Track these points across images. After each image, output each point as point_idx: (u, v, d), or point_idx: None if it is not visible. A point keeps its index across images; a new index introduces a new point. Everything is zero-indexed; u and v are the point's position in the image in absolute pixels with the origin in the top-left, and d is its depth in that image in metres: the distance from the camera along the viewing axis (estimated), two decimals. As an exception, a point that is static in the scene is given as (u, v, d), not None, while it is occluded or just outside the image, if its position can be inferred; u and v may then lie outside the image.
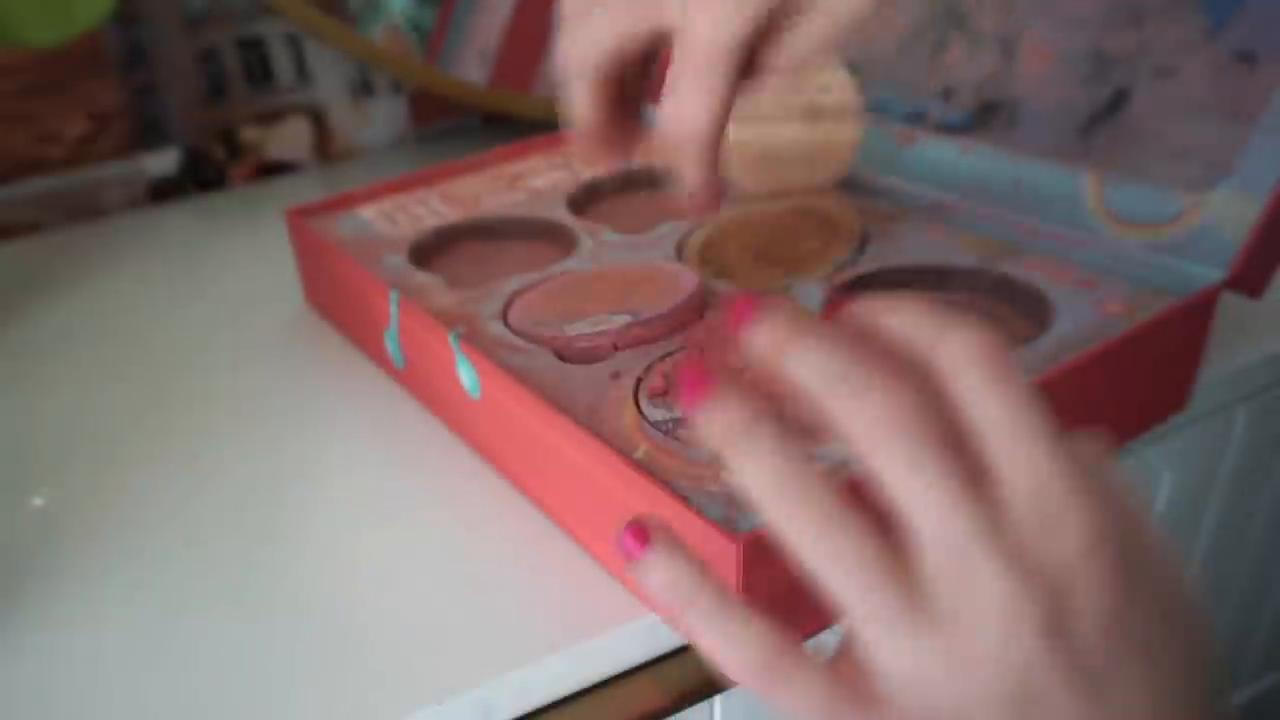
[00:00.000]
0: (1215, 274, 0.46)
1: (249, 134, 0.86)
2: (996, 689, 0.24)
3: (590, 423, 0.41)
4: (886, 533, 0.25)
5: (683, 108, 0.36)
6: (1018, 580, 0.23)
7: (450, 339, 0.46)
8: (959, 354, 0.25)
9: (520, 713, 0.38)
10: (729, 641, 0.26)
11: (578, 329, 0.47)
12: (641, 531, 0.28)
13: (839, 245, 0.52)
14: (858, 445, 0.25)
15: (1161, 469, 0.55)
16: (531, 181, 0.65)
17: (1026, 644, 0.23)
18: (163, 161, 0.83)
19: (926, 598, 0.24)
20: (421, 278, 0.54)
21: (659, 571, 0.27)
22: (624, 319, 0.47)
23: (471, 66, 0.85)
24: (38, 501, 0.48)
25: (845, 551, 0.25)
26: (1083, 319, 0.45)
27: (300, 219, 0.61)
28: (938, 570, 0.24)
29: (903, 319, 0.26)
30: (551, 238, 0.59)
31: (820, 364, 0.25)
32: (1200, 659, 0.26)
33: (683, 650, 0.39)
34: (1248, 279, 0.46)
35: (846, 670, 0.26)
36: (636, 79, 0.40)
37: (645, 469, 0.37)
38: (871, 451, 0.24)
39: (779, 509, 0.25)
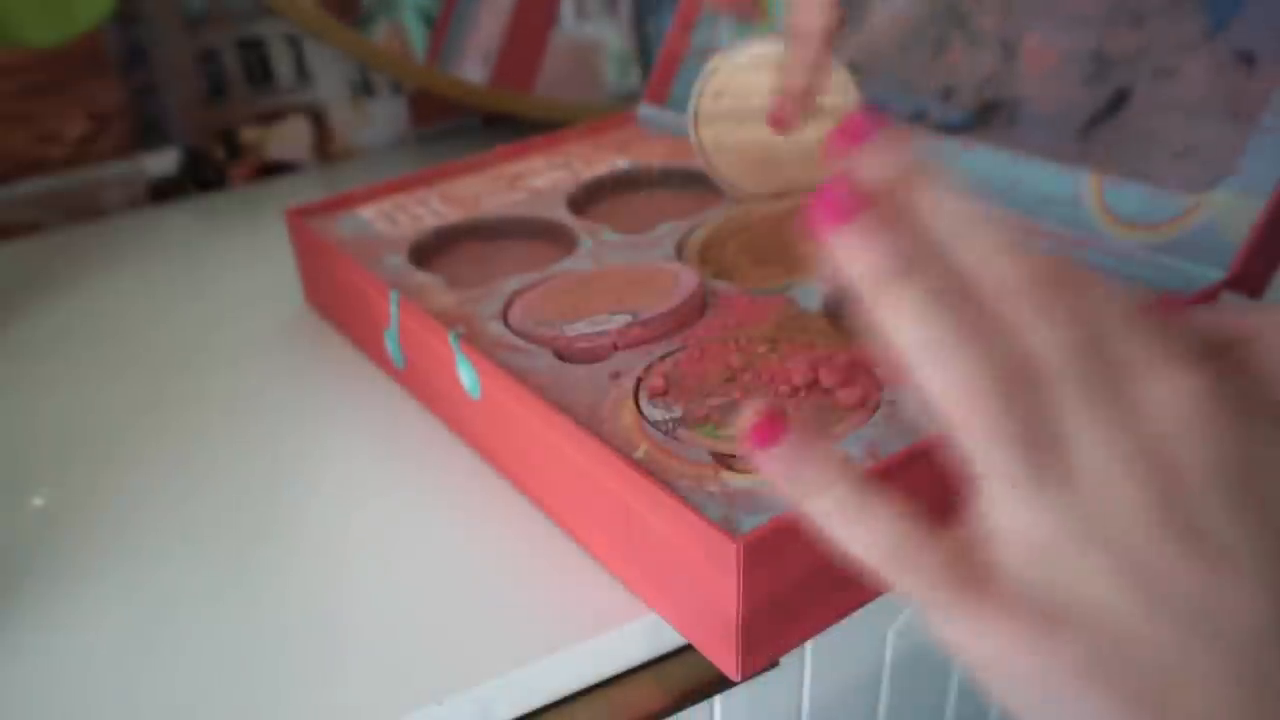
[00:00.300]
0: (1215, 274, 0.46)
1: (249, 134, 0.86)
2: (1114, 564, 0.23)
3: (590, 423, 0.41)
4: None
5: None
6: (1125, 438, 0.23)
7: (450, 339, 0.46)
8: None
9: (520, 713, 0.38)
10: (857, 530, 0.26)
11: (578, 329, 0.47)
12: (775, 423, 0.27)
13: (839, 245, 0.52)
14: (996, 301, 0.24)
15: None
16: (531, 181, 0.65)
17: (1141, 502, 0.23)
18: (163, 161, 0.83)
19: (1050, 456, 0.23)
20: (421, 278, 0.54)
21: (792, 464, 0.26)
22: (624, 319, 0.47)
23: (472, 67, 0.85)
24: (37, 501, 0.48)
25: (988, 407, 0.24)
26: (1083, 319, 0.45)
27: (300, 219, 0.61)
28: (1060, 431, 0.23)
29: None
30: (551, 238, 0.59)
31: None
32: None
33: (683, 650, 0.39)
34: (1248, 279, 0.46)
35: (967, 556, 0.25)
36: None
37: (645, 469, 0.37)
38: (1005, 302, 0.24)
39: (926, 357, 0.24)
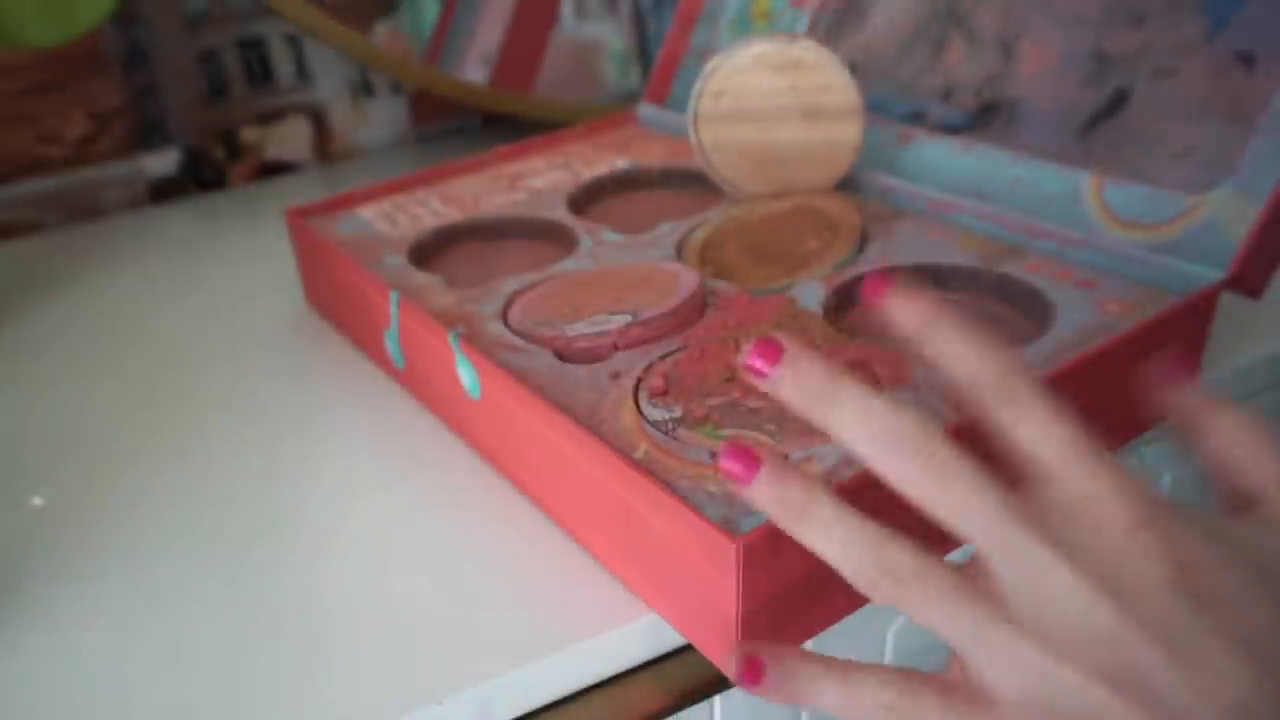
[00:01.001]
0: (1215, 274, 0.46)
1: (249, 134, 0.86)
2: (1089, 668, 0.25)
3: (590, 423, 0.41)
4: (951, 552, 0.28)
5: None
6: (1078, 566, 0.26)
7: (450, 339, 0.46)
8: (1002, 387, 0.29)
9: (520, 712, 0.38)
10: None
11: (578, 329, 0.47)
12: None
13: (839, 245, 0.52)
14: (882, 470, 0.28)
15: (1161, 469, 0.54)
16: (531, 181, 0.65)
17: (1104, 615, 0.25)
18: (163, 162, 0.83)
19: (1006, 604, 0.27)
20: (421, 278, 0.54)
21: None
22: (624, 319, 0.47)
23: (472, 67, 0.85)
24: (36, 500, 0.48)
25: (931, 590, 0.27)
26: (1083, 319, 0.45)
27: (300, 219, 0.61)
28: (1008, 578, 0.27)
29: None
30: (551, 238, 0.59)
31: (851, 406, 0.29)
32: None
33: (683, 650, 0.39)
34: (1247, 279, 0.46)
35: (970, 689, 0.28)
36: None
37: (645, 469, 0.37)
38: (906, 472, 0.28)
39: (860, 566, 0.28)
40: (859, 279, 0.49)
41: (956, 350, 0.29)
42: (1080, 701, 0.26)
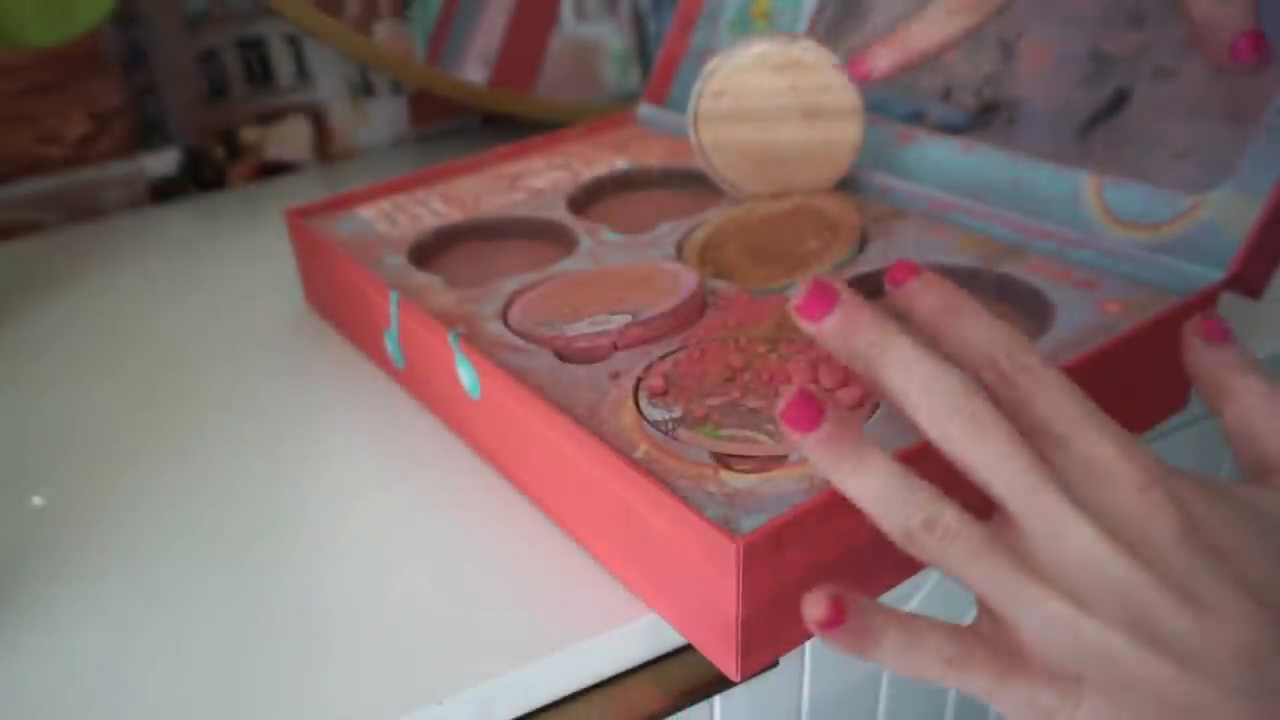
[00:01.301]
0: (1215, 274, 0.46)
1: (249, 134, 0.86)
2: (1107, 616, 0.27)
3: (590, 422, 0.41)
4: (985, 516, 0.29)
5: None
6: (1096, 521, 0.27)
7: (450, 339, 0.46)
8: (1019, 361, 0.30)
9: (520, 712, 0.38)
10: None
11: (578, 329, 0.47)
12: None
13: (839, 245, 0.52)
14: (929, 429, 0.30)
15: None
16: (531, 181, 0.65)
17: (1122, 566, 0.27)
18: (163, 161, 0.83)
19: (1031, 558, 0.28)
20: (421, 278, 0.54)
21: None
22: (624, 319, 0.47)
23: (472, 67, 0.85)
24: (36, 500, 0.48)
25: (969, 545, 0.28)
26: (1083, 318, 0.45)
27: (300, 219, 0.61)
28: (1033, 534, 0.28)
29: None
30: (551, 238, 0.59)
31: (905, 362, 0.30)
32: None
33: (683, 650, 0.39)
34: (1247, 279, 0.46)
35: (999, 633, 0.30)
36: None
37: (645, 469, 0.37)
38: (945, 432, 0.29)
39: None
40: (882, 271, 0.50)
41: (971, 331, 0.31)
42: (1102, 649, 0.27)
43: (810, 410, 0.30)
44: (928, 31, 0.50)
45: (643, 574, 0.39)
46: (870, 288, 0.50)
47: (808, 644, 0.43)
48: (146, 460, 0.50)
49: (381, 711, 0.36)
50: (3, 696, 0.38)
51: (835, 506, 0.32)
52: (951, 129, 0.58)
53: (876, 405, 0.40)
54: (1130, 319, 0.45)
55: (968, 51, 0.58)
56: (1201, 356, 0.33)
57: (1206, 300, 0.46)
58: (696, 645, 0.37)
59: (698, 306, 0.48)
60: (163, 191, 0.84)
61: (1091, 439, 0.29)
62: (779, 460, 0.38)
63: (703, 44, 0.70)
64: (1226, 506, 0.28)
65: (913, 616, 0.30)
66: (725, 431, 0.40)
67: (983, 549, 0.28)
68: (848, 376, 0.41)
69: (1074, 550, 0.27)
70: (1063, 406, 0.29)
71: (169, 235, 0.78)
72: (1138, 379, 0.46)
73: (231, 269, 0.71)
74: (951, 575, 0.29)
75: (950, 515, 0.28)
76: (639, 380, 0.44)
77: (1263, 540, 0.28)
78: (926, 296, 0.33)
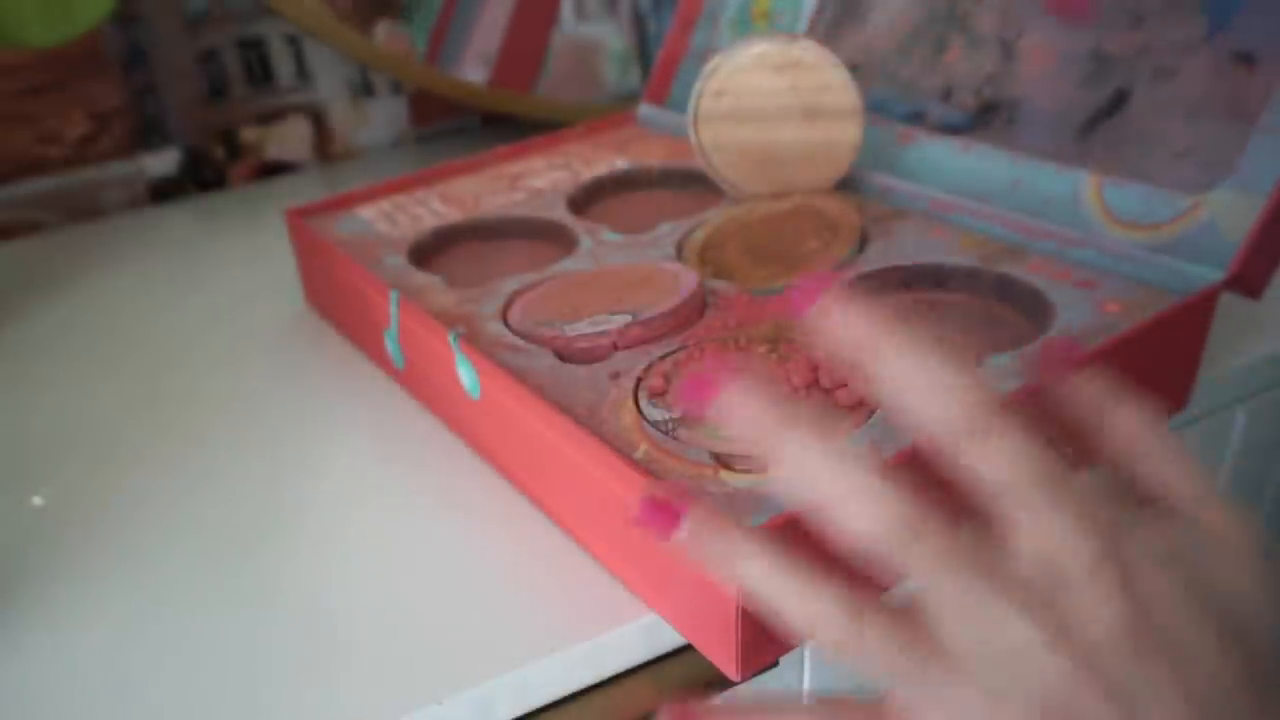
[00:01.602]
0: (1215, 274, 0.46)
1: (249, 134, 0.86)
2: (1034, 714, 0.25)
3: (590, 422, 0.41)
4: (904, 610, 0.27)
5: None
6: (1028, 613, 0.25)
7: (450, 339, 0.46)
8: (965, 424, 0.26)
9: (520, 712, 0.38)
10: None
11: (578, 329, 0.47)
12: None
13: (839, 245, 0.52)
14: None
15: None
16: (531, 181, 0.65)
17: (1049, 664, 0.25)
18: (163, 161, 0.84)
19: (951, 653, 0.26)
20: (421, 278, 0.54)
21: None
22: (624, 319, 0.47)
23: (472, 67, 0.85)
24: (37, 500, 0.48)
25: (874, 636, 0.26)
26: (1082, 319, 0.45)
27: (300, 219, 0.61)
28: (957, 624, 0.26)
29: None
30: (551, 238, 0.59)
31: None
32: (1260, 664, 0.26)
33: (683, 650, 0.39)
34: (1247, 279, 0.46)
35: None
36: None
37: (645, 469, 0.37)
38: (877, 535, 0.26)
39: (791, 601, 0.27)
40: (883, 270, 0.50)
41: (908, 376, 0.27)
42: None
43: (663, 515, 0.28)
44: None
45: (643, 574, 0.39)
46: (869, 287, 0.50)
47: (808, 644, 0.43)
48: (148, 460, 0.50)
49: (382, 711, 0.36)
50: (5, 696, 0.38)
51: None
52: (952, 129, 0.58)
53: (874, 409, 0.40)
54: (1130, 319, 0.45)
55: (968, 51, 0.58)
56: (1068, 391, 0.30)
57: (1206, 300, 0.46)
58: (696, 645, 0.37)
59: (698, 306, 0.48)
60: (163, 191, 0.84)
61: (1043, 516, 0.26)
62: (779, 460, 0.38)
63: (703, 44, 0.71)
64: (1174, 578, 0.26)
65: (768, 706, 0.28)
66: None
67: (888, 637, 0.26)
68: (846, 378, 0.41)
69: (1009, 647, 0.25)
70: (1013, 474, 0.26)
71: (169, 235, 0.79)
72: (1137, 379, 0.46)
73: (231, 269, 0.71)
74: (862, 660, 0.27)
75: (838, 607, 0.27)
76: (639, 380, 0.44)
77: (1206, 622, 0.26)
78: (845, 328, 0.27)
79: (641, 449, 0.39)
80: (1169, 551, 0.27)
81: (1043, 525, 0.26)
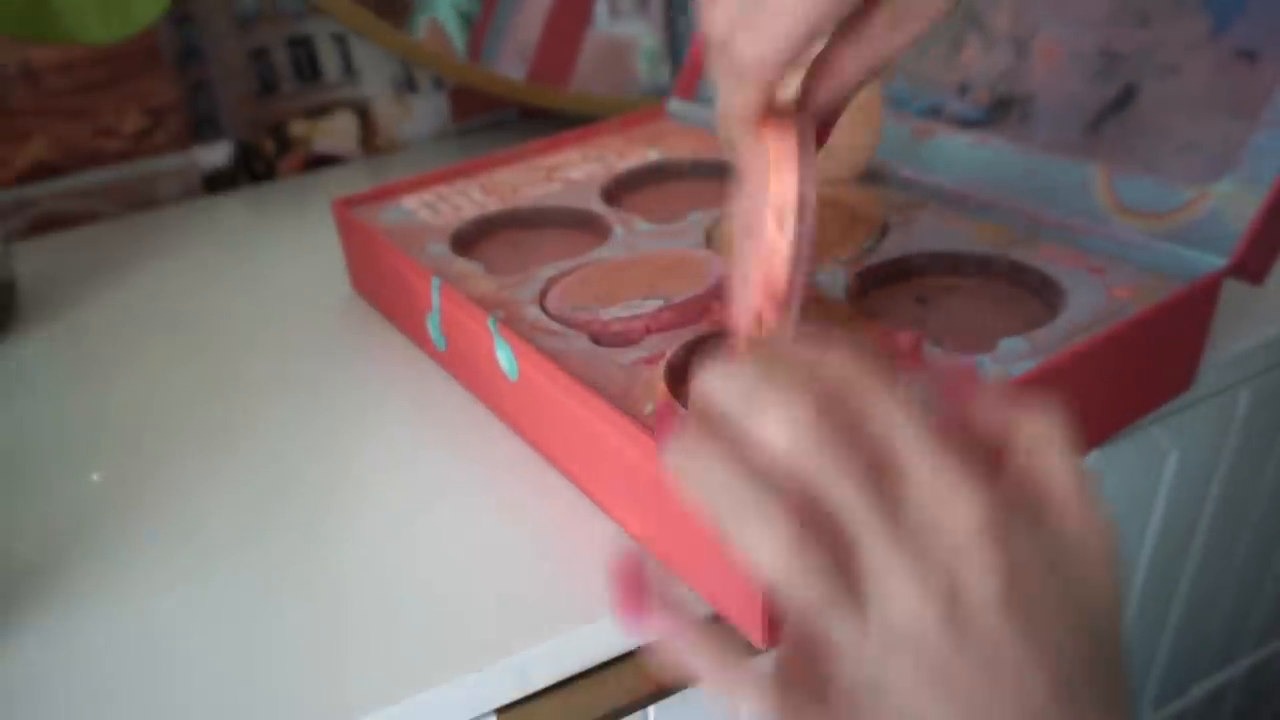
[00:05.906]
0: (1218, 261, 0.47)
1: (298, 128, 0.87)
2: (912, 665, 0.25)
3: (623, 403, 0.41)
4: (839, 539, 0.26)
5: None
6: (914, 562, 0.25)
7: (489, 323, 0.47)
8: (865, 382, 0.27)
9: (557, 679, 0.39)
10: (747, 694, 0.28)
11: (611, 313, 0.47)
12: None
13: (862, 234, 0.53)
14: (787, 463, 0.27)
15: (1168, 447, 0.55)
16: (567, 173, 0.66)
17: (928, 617, 0.25)
18: (215, 154, 0.85)
19: (860, 586, 0.26)
20: (462, 265, 0.55)
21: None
22: (655, 304, 0.47)
23: (510, 63, 0.86)
24: (95, 477, 0.49)
25: (810, 574, 0.26)
26: (1093, 303, 0.46)
27: (346, 209, 0.62)
28: (866, 561, 0.26)
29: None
30: (586, 226, 0.60)
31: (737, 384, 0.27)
32: (1108, 658, 0.27)
33: (713, 618, 0.40)
34: (1250, 266, 0.47)
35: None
36: None
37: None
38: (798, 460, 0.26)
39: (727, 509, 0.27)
40: (902, 258, 0.50)
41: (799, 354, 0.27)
42: (897, 692, 0.26)
43: (662, 424, 0.28)
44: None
45: (673, 547, 0.40)
46: (887, 275, 0.51)
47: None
48: (199, 439, 0.51)
49: (429, 676, 0.37)
50: (67, 666, 0.39)
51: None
52: (968, 123, 0.59)
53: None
54: (1138, 304, 0.46)
55: (984, 49, 0.59)
56: (981, 420, 0.29)
57: (1210, 286, 0.47)
58: (725, 615, 0.38)
59: (726, 292, 0.49)
60: (215, 182, 0.85)
61: (930, 475, 0.26)
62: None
63: (732, 40, 0.71)
64: (1042, 546, 0.27)
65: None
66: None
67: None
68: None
69: (899, 596, 0.25)
70: (902, 435, 0.26)
71: (221, 224, 0.80)
72: (1145, 361, 0.47)
73: (281, 257, 0.72)
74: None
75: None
76: (670, 362, 0.44)
77: (1066, 593, 0.26)
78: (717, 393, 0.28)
79: (669, 425, 0.40)
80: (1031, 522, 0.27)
81: (933, 483, 0.26)
